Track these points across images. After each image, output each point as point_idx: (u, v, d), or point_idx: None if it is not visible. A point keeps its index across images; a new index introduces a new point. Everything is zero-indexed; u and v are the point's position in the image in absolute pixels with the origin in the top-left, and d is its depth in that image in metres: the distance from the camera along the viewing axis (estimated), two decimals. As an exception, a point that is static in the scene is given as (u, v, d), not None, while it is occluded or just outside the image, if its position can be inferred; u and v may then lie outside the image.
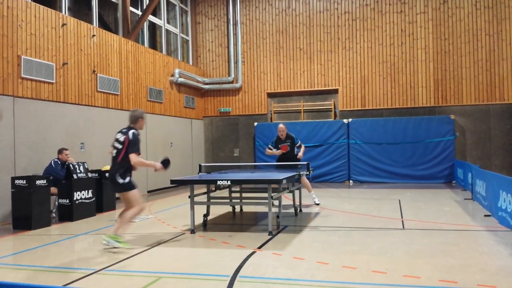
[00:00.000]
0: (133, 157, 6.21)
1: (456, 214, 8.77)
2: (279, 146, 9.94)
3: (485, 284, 4.48)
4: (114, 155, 6.38)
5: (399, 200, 10.79)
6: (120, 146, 6.32)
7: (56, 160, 9.36)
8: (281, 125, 10.18)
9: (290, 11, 16.97)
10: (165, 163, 6.44)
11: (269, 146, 10.19)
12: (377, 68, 16.09)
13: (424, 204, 10.22)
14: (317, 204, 10.18)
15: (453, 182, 14.66)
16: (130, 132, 6.30)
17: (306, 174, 8.98)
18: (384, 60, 16.02)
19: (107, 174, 6.58)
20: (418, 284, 4.52)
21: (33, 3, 9.80)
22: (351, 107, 16.34)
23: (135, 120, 6.47)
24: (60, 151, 9.46)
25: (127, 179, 6.32)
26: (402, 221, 8.18)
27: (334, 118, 16.42)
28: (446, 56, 15.48)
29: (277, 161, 10.11)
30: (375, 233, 7.23)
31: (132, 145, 6.23)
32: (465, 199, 10.72)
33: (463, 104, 15.29)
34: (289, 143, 9.95)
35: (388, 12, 16.01)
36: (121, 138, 6.33)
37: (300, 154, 9.93)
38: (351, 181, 15.65)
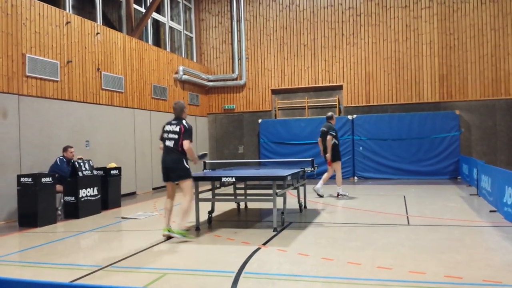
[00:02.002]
0: (186, 143, 6.67)
1: (461, 210, 8.74)
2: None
3: (491, 279, 4.46)
4: (171, 146, 6.71)
5: (404, 196, 10.77)
6: (176, 136, 6.72)
7: (61, 157, 9.39)
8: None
9: (294, 7, 16.93)
10: (202, 156, 7.17)
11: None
12: (381, 64, 16.03)
13: (429, 200, 10.19)
14: (338, 195, 10.84)
15: (458, 178, 14.60)
16: (184, 122, 6.82)
17: (311, 171, 8.99)
18: (388, 55, 15.96)
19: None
20: (423, 280, 4.51)
21: (37, 1, 9.81)
22: (356, 103, 16.30)
23: (182, 111, 6.93)
24: (65, 149, 9.49)
25: (188, 166, 6.81)
26: (407, 217, 8.16)
27: (339, 115, 16.37)
28: (451, 51, 15.40)
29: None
30: (380, 229, 7.22)
31: (188, 133, 6.73)
32: (470, 194, 10.67)
33: (469, 100, 15.21)
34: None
35: (393, 7, 15.94)
36: (177, 128, 6.74)
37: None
38: (355, 178, 15.62)
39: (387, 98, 15.99)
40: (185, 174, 6.77)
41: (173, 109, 7.04)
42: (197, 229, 7.37)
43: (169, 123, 6.90)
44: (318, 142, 11.30)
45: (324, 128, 10.97)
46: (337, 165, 10.94)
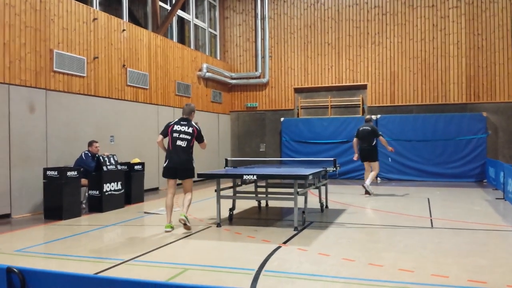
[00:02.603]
0: (205, 145, 7.45)
1: (486, 214, 8.57)
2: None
3: (516, 285, 4.37)
4: (184, 145, 7.12)
5: (428, 199, 10.62)
6: (189, 137, 7.17)
7: (86, 152, 9.55)
8: None
9: (318, 6, 16.83)
10: None
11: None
12: (407, 64, 15.82)
13: (453, 203, 10.02)
14: (369, 194, 11.08)
15: (484, 181, 14.31)
16: (194, 124, 7.30)
17: (333, 170, 8.94)
18: (414, 55, 15.73)
19: (165, 164, 7.22)
20: (446, 284, 4.44)
21: (65, -2, 10.00)
22: (380, 103, 16.12)
23: (191, 113, 7.37)
24: (90, 144, 9.64)
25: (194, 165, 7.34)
26: (431, 219, 8.04)
27: (362, 114, 16.21)
28: (479, 52, 15.09)
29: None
30: (403, 231, 7.14)
31: (201, 135, 7.30)
32: (496, 198, 10.46)
33: (496, 102, 14.89)
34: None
35: (419, 6, 15.70)
36: (189, 129, 7.18)
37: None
38: (378, 179, 15.45)
39: (412, 99, 15.77)
40: (193, 173, 7.31)
41: (183, 110, 7.43)
42: (218, 226, 7.41)
43: (178, 123, 7.25)
44: (353, 143, 11.64)
45: (367, 128, 11.36)
46: (377, 165, 11.41)
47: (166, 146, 7.35)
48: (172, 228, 7.11)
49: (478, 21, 15.11)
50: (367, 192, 11.08)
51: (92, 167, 9.27)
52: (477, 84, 15.12)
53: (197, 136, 7.23)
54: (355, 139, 11.49)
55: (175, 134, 7.14)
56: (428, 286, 4.41)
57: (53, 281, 2.41)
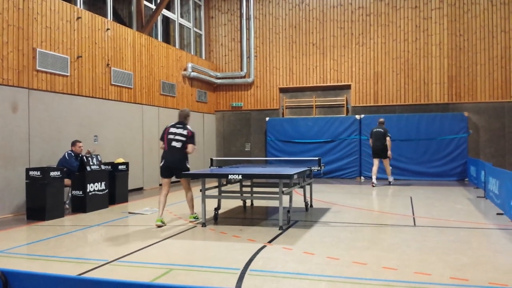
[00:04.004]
0: (192, 148, 7.62)
1: (468, 212, 8.71)
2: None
3: (497, 282, 4.45)
4: (179, 146, 7.56)
5: (411, 197, 10.75)
6: (184, 139, 7.59)
7: (69, 152, 9.45)
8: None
9: (303, 6, 16.90)
10: None
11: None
12: (390, 64, 15.98)
13: (436, 202, 10.16)
14: (389, 182, 13.59)
15: (465, 180, 14.53)
16: (189, 127, 7.75)
17: (318, 170, 9.00)
18: (397, 56, 15.90)
19: (161, 162, 7.78)
20: (429, 281, 4.51)
21: (48, -4, 9.89)
22: (364, 103, 16.26)
23: (186, 117, 7.87)
24: (73, 143, 9.54)
25: (189, 165, 7.74)
26: (414, 218, 8.15)
27: (346, 114, 16.35)
28: (461, 53, 15.32)
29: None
30: (386, 230, 7.22)
31: (193, 138, 7.72)
32: (477, 197, 10.63)
33: (477, 101, 15.13)
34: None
35: (403, 7, 15.87)
36: (184, 132, 7.63)
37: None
38: (362, 177, 15.59)
39: (396, 99, 15.94)
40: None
41: (178, 114, 7.91)
42: (203, 225, 7.41)
43: (174, 126, 7.73)
44: (370, 142, 13.61)
45: (380, 130, 13.23)
46: (388, 161, 13.44)
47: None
48: (163, 223, 7.43)
49: (460, 22, 15.34)
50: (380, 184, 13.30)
51: (75, 167, 9.19)
52: (459, 84, 15.34)
53: (191, 138, 7.65)
54: (370, 140, 13.50)
55: (171, 136, 7.62)
56: (411, 283, 4.46)
57: (36, 283, 2.39)
